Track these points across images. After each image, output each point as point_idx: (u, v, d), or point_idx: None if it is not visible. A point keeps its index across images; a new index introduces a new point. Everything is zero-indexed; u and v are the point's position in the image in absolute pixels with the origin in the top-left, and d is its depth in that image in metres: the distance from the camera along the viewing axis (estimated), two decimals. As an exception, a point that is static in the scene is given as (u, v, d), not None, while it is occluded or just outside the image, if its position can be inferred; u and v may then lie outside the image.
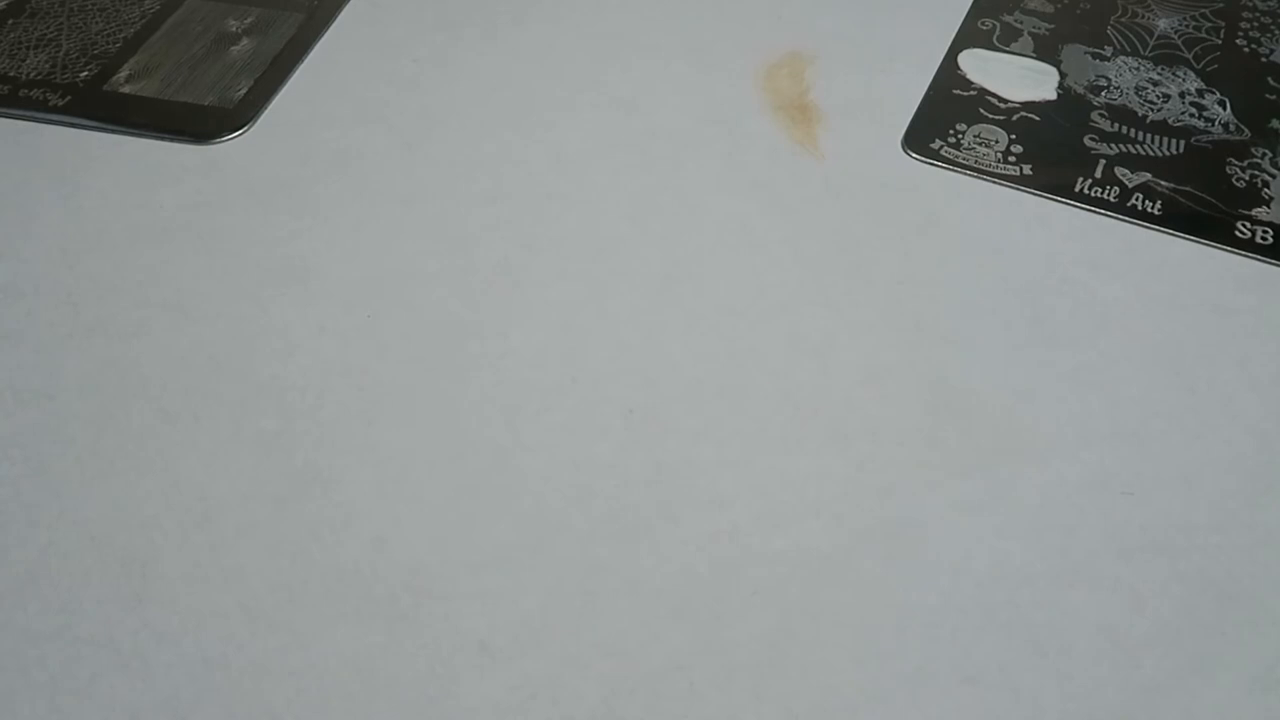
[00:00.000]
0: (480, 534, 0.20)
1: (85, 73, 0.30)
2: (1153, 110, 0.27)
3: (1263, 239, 0.24)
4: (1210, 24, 0.30)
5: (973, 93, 0.28)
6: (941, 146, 0.26)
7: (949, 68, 0.29)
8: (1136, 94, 0.28)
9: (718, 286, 0.23)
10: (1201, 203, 0.25)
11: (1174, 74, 0.28)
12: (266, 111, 0.28)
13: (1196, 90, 0.28)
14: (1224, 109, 0.27)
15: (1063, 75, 0.28)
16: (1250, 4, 0.31)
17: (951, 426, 0.21)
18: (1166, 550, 0.19)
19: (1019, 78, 0.28)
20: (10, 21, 0.31)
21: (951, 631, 0.18)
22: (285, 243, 0.25)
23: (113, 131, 0.28)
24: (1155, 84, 0.28)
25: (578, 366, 0.22)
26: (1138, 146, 0.26)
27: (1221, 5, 0.31)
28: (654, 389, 0.22)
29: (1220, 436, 0.21)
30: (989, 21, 0.30)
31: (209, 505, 0.20)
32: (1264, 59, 0.29)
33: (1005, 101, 0.28)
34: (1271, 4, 0.31)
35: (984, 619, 0.18)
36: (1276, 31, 0.30)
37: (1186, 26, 0.30)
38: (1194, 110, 0.27)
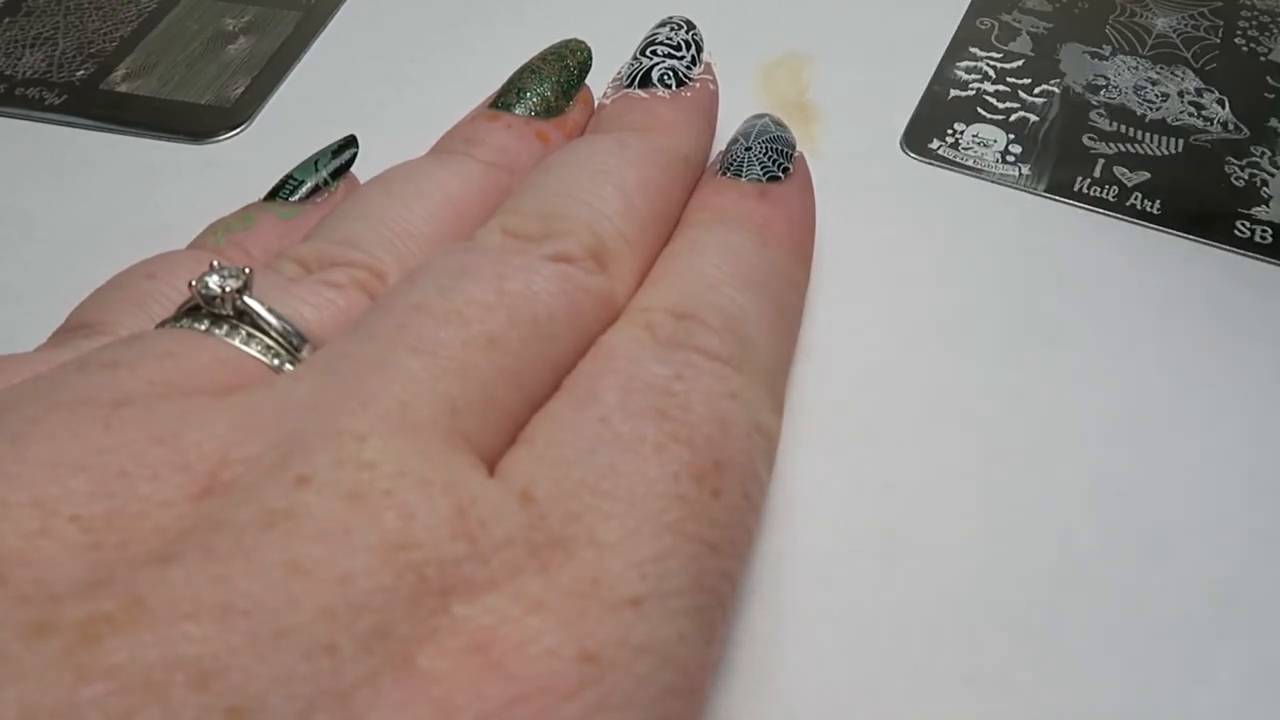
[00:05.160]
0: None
1: (82, 71, 0.30)
2: (1151, 109, 0.27)
3: (1262, 238, 0.24)
4: (1209, 23, 0.30)
5: (971, 92, 0.28)
6: (940, 146, 0.26)
7: (948, 67, 0.29)
8: (1135, 93, 0.28)
9: (717, 286, 0.23)
10: (1201, 202, 0.25)
11: (1173, 73, 0.28)
12: (264, 110, 0.28)
13: (1195, 89, 0.28)
14: (1223, 108, 0.27)
15: (1061, 74, 0.28)
16: (1249, 3, 0.31)
17: (950, 426, 0.21)
18: (1165, 550, 0.19)
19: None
20: (6, 20, 0.31)
21: (951, 631, 0.18)
22: (283, 242, 0.24)
23: (110, 130, 0.28)
24: (1154, 83, 0.28)
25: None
26: (1137, 145, 0.26)
27: (1220, 4, 0.31)
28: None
29: (1219, 436, 0.21)
30: (987, 21, 0.30)
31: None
32: (1263, 58, 0.29)
33: (1004, 101, 0.28)
34: (1270, 3, 0.31)
35: (984, 619, 0.18)
36: (1275, 30, 0.30)
37: (1185, 25, 0.30)
38: (1193, 109, 0.27)
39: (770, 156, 0.21)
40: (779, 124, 0.22)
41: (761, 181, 0.21)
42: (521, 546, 0.13)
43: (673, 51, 0.23)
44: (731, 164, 0.21)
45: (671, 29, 0.23)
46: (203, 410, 0.14)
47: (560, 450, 0.15)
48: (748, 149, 0.21)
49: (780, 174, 0.21)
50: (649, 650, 0.13)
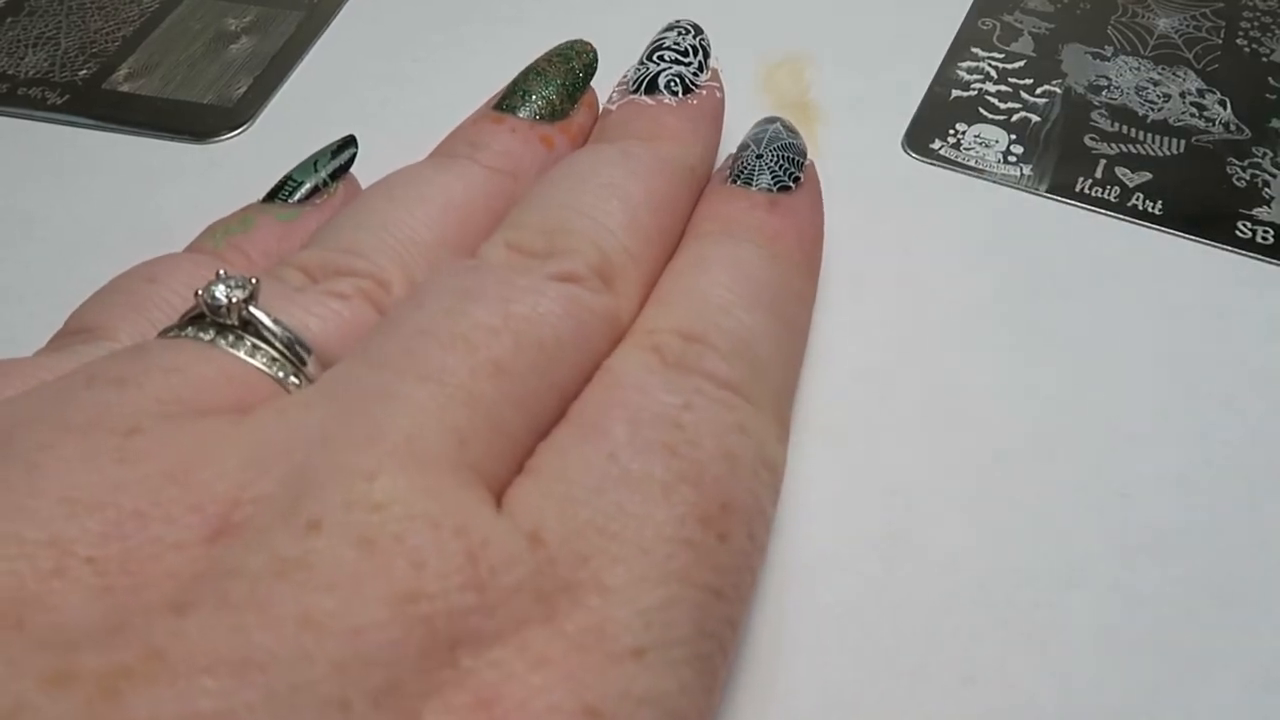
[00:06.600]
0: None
1: (84, 71, 0.30)
2: (1153, 110, 0.27)
3: (1263, 239, 0.24)
4: (1210, 24, 0.30)
5: (973, 93, 0.28)
6: (942, 147, 0.26)
7: (949, 68, 0.29)
8: (1137, 94, 0.28)
9: (718, 286, 0.23)
10: (1202, 202, 0.25)
11: (1174, 74, 0.28)
12: (266, 110, 0.28)
13: (1197, 90, 0.28)
14: (1224, 109, 0.27)
15: (1063, 75, 0.28)
16: (1250, 4, 0.31)
17: (951, 426, 0.21)
18: (1165, 551, 0.19)
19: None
20: (9, 20, 0.31)
21: (952, 631, 0.18)
22: (285, 242, 0.24)
23: (112, 130, 0.28)
24: (1156, 84, 0.28)
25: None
26: (1138, 146, 0.26)
27: (1222, 5, 0.31)
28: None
29: (1219, 437, 0.21)
30: (989, 21, 0.30)
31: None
32: (1264, 59, 0.29)
33: (1006, 102, 0.28)
34: (1272, 4, 0.31)
35: (984, 619, 0.18)
36: (1277, 31, 0.30)
37: (1187, 26, 0.30)
38: (1194, 110, 0.27)
39: (781, 165, 0.21)
40: (791, 130, 0.22)
41: (772, 191, 0.21)
42: (528, 594, 0.13)
43: (680, 57, 0.23)
44: (741, 171, 0.21)
45: (679, 34, 0.23)
46: (215, 443, 0.14)
47: (567, 487, 0.15)
48: (759, 156, 0.21)
49: (791, 183, 0.21)
50: (651, 701, 0.13)
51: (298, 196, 0.22)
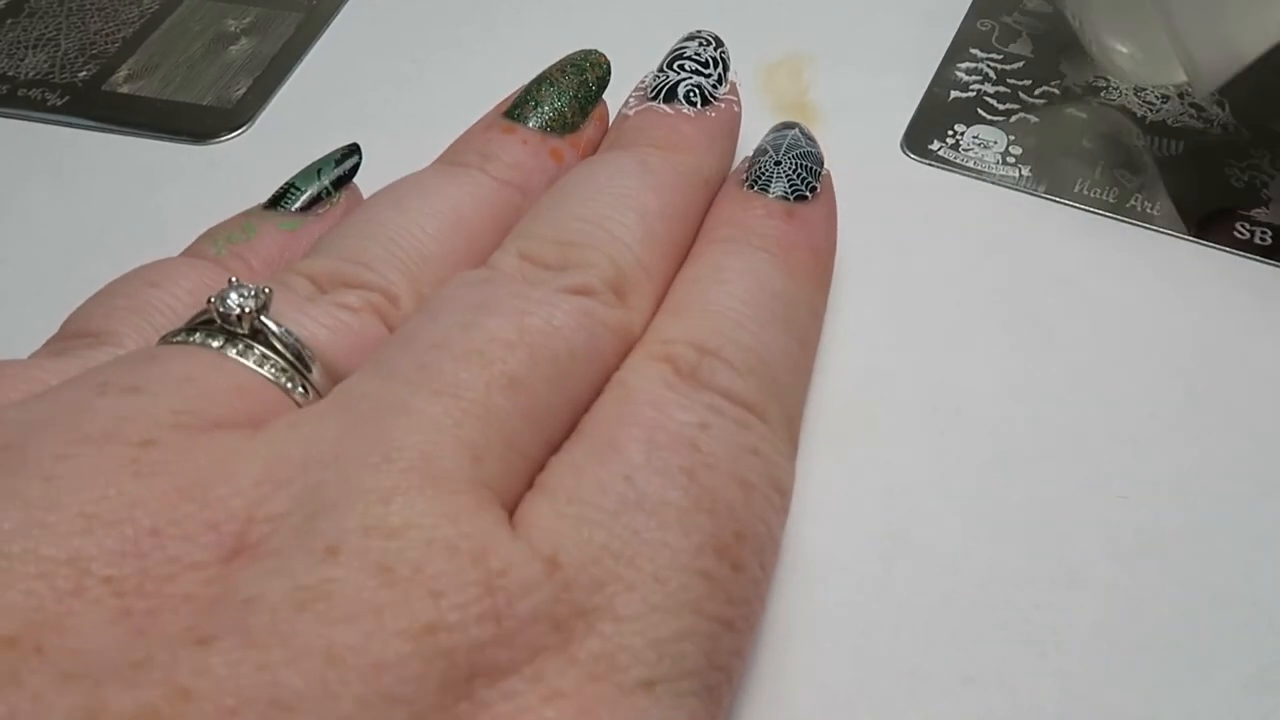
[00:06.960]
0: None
1: (84, 72, 0.30)
2: (1151, 111, 0.27)
3: (1261, 240, 0.24)
4: (1209, 25, 0.30)
5: (971, 94, 0.28)
6: (940, 148, 0.27)
7: (948, 69, 0.29)
8: (1135, 95, 0.28)
9: (717, 287, 0.23)
10: (1201, 203, 0.25)
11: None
12: (265, 111, 0.29)
13: (1195, 91, 0.28)
14: (1223, 110, 0.27)
15: (1061, 76, 0.28)
16: (1249, 5, 0.31)
17: (950, 427, 0.21)
18: (1165, 552, 0.19)
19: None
20: (9, 21, 0.31)
21: (951, 631, 0.18)
22: (285, 243, 0.24)
23: (111, 131, 0.28)
24: (1154, 84, 0.28)
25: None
26: (1137, 148, 0.26)
27: (1220, 6, 0.31)
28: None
29: (1218, 439, 0.21)
30: (988, 23, 0.30)
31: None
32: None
33: (1004, 103, 0.28)
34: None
35: (984, 619, 0.18)
36: (1275, 32, 0.30)
37: (1185, 27, 0.30)
38: (1193, 111, 0.27)
39: (799, 174, 0.21)
40: (809, 138, 0.22)
41: (788, 200, 0.20)
42: (545, 622, 0.13)
43: (700, 68, 0.22)
44: (759, 178, 0.21)
45: (700, 44, 0.23)
46: (229, 458, 0.14)
47: (582, 509, 0.15)
48: (777, 163, 0.21)
49: (808, 193, 0.21)
50: None
51: (299, 204, 0.22)
